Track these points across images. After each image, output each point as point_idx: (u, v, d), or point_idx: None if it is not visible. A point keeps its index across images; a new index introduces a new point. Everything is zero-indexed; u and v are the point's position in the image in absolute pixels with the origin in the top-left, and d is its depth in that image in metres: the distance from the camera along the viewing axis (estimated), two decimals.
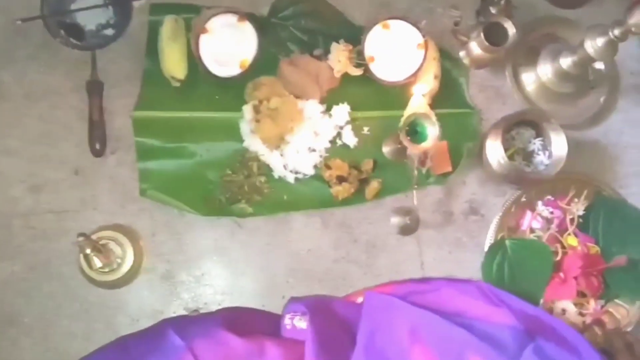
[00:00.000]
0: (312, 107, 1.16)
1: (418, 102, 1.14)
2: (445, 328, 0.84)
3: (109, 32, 1.13)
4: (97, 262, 1.00)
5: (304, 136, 1.15)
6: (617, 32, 1.06)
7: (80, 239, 0.95)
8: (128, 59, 1.14)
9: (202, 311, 1.09)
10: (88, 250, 0.97)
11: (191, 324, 0.88)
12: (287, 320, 0.89)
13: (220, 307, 1.08)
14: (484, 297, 0.95)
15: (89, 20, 1.13)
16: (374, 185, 1.16)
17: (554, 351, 0.81)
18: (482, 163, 1.18)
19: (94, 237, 1.01)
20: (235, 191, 1.13)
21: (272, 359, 0.83)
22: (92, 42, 1.12)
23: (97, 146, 1.10)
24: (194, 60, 1.12)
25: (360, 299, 1.00)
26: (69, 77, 1.11)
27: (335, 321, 0.90)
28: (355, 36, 1.17)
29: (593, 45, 1.10)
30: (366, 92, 1.18)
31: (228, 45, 1.12)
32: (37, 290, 1.07)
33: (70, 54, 1.11)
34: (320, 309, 0.89)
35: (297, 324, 0.88)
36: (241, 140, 1.15)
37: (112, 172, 1.11)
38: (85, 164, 1.10)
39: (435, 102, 1.17)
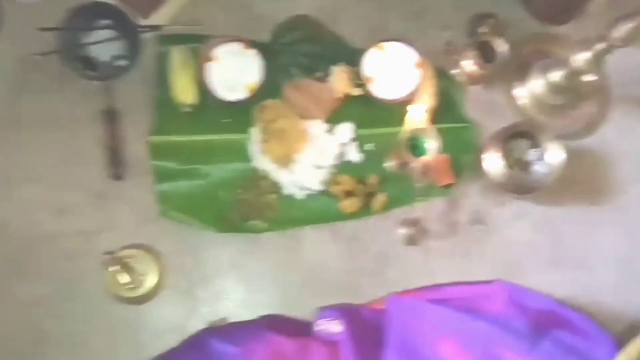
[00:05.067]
0: (316, 126, 1.22)
1: (417, 118, 1.20)
2: (468, 323, 0.87)
3: (122, 63, 1.19)
4: (123, 279, 1.04)
5: (310, 154, 1.20)
6: (602, 45, 1.12)
7: (107, 256, 0.99)
8: (141, 88, 1.19)
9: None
10: (114, 268, 1.01)
11: (237, 332, 0.91)
12: (320, 325, 0.92)
13: (238, 319, 1.13)
14: (501, 296, 0.97)
15: (102, 53, 1.19)
16: (380, 198, 1.20)
17: (568, 338, 0.84)
18: (482, 174, 1.23)
19: (118, 255, 1.06)
20: (247, 209, 1.18)
21: (317, 356, 0.86)
22: (106, 73, 1.17)
23: (116, 171, 1.15)
24: (202, 87, 1.18)
25: (381, 306, 1.03)
26: (86, 106, 1.17)
27: (365, 325, 0.93)
28: (354, 58, 1.23)
29: (581, 59, 1.15)
30: (367, 110, 1.24)
31: (234, 72, 1.18)
32: (64, 310, 1.11)
33: (86, 84, 1.16)
34: (351, 314, 0.92)
35: (330, 328, 0.91)
36: (250, 161, 1.20)
37: (131, 194, 1.16)
38: (105, 188, 1.15)
39: (434, 117, 1.22)
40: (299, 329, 0.96)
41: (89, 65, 1.17)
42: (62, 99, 1.17)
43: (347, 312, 0.92)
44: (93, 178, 1.15)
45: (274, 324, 0.94)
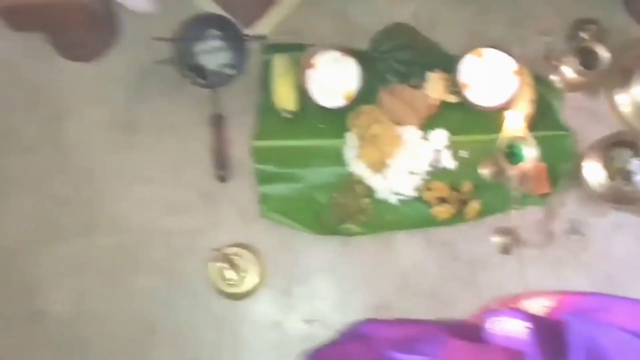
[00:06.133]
0: (410, 132, 1.24)
1: (514, 126, 1.20)
2: None
3: (229, 71, 1.25)
4: (230, 275, 1.11)
5: (404, 160, 1.22)
6: None
7: (215, 253, 1.05)
8: (245, 94, 1.26)
9: (316, 323, 1.18)
10: (222, 264, 1.08)
11: (414, 340, 0.92)
12: (497, 325, 0.91)
13: (333, 319, 1.17)
14: None
15: (211, 61, 1.26)
16: (473, 205, 1.21)
17: None
18: (580, 183, 1.21)
19: (224, 252, 1.12)
20: (342, 212, 1.22)
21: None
22: (214, 80, 1.25)
23: (221, 173, 1.22)
24: (302, 94, 1.23)
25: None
26: (195, 111, 1.25)
27: (549, 334, 0.90)
28: (449, 65, 1.24)
29: None
30: (462, 117, 1.25)
31: (333, 79, 1.22)
32: (172, 302, 1.19)
33: (195, 91, 1.24)
34: (535, 319, 0.90)
35: (511, 329, 0.89)
36: (346, 165, 1.23)
37: (234, 195, 1.23)
38: (211, 188, 1.23)
39: (531, 124, 1.22)
40: (464, 331, 0.96)
41: (199, 73, 1.25)
42: (174, 105, 1.25)
43: (531, 316, 0.91)
44: (201, 179, 1.23)
45: (444, 327, 0.95)
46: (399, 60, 1.27)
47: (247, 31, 1.27)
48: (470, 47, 1.23)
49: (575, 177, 1.21)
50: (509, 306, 0.97)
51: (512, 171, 1.17)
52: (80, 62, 1.26)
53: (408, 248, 1.22)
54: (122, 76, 1.26)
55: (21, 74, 1.25)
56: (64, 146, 1.23)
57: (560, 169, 1.23)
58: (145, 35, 1.24)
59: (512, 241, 1.18)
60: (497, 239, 1.20)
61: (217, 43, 1.26)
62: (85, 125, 1.24)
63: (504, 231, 1.20)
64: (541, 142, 1.19)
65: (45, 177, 1.22)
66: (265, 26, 1.29)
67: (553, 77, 1.26)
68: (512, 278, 1.19)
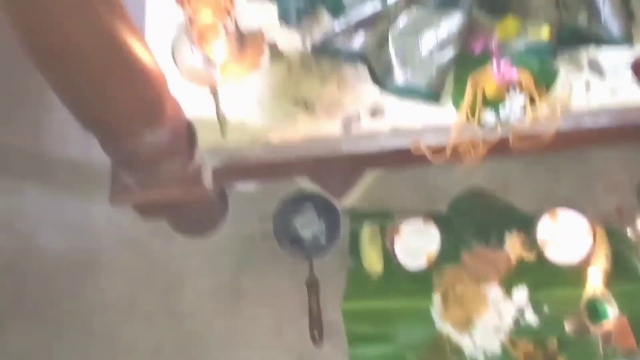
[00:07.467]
0: (493, 291, 1.30)
1: (593, 282, 1.24)
2: None
3: (323, 240, 1.39)
4: None
5: (488, 318, 1.28)
6: None
7: None
8: (337, 259, 1.37)
9: None
10: None
11: None
12: None
13: None
14: None
15: (307, 233, 1.41)
16: None
17: None
18: None
19: None
20: None
21: None
22: (310, 250, 1.39)
23: (316, 335, 1.32)
24: (388, 257, 1.33)
25: None
26: (292, 278, 1.37)
27: None
28: (525, 223, 1.31)
29: None
30: (542, 274, 1.29)
31: (416, 243, 1.32)
32: None
33: (293, 259, 1.37)
34: None
35: None
36: (433, 325, 1.30)
37: (328, 357, 1.31)
38: (307, 350, 1.32)
39: (610, 279, 1.25)
40: None
41: (296, 244, 1.39)
42: (274, 272, 1.38)
43: None
44: (298, 342, 1.32)
45: None
46: (476, 222, 1.36)
47: (338, 203, 1.41)
48: (543, 206, 1.30)
49: None
50: None
51: (596, 329, 1.20)
52: (193, 237, 1.42)
53: None
54: (229, 248, 1.40)
55: (142, 249, 1.43)
56: (177, 314, 1.37)
57: None
58: (249, 211, 1.40)
59: None
60: None
61: (312, 216, 1.41)
62: (196, 293, 1.38)
63: None
64: (622, 296, 1.22)
65: (159, 345, 1.34)
66: (353, 196, 1.43)
67: (628, 231, 1.31)
68: None
